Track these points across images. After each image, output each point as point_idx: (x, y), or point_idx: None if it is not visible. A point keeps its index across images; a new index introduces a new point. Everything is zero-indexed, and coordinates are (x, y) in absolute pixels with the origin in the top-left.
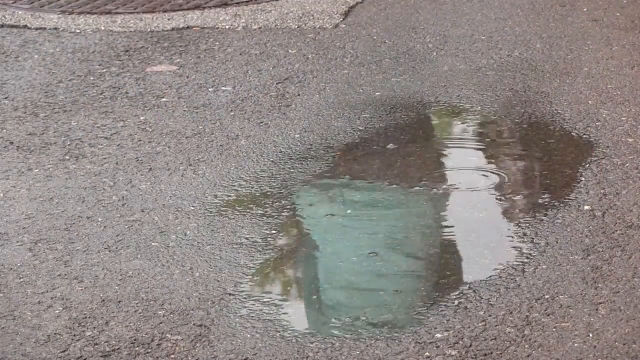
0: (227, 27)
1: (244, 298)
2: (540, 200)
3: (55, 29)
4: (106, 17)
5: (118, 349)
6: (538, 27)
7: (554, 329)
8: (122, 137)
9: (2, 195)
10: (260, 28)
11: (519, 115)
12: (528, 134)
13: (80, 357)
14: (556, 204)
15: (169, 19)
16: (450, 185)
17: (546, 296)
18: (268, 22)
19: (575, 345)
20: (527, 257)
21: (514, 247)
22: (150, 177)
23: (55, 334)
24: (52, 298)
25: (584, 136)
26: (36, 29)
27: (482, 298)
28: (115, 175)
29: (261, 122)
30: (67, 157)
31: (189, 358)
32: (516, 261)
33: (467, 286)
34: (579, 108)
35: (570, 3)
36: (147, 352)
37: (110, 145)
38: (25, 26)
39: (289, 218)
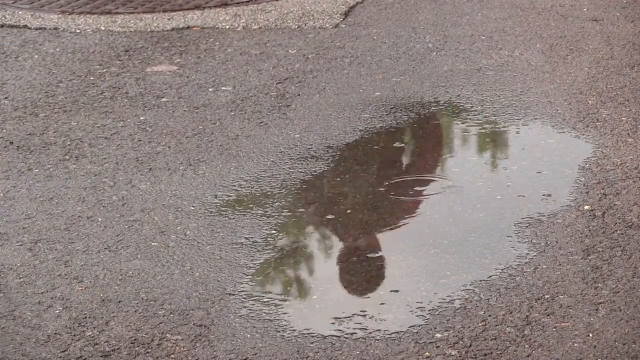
0: (227, 27)
1: (244, 298)
2: (540, 200)
3: (55, 29)
4: (106, 17)
5: (118, 349)
6: (538, 27)
7: (554, 329)
8: (122, 137)
9: (2, 195)
10: (260, 28)
11: (519, 115)
12: (528, 133)
13: (80, 357)
14: (556, 204)
15: (169, 19)
16: (450, 185)
17: (546, 296)
18: (268, 22)
19: (575, 345)
20: (527, 257)
21: (514, 247)
22: (150, 177)
23: (55, 334)
24: (52, 298)
25: (584, 136)
26: (36, 29)
27: (482, 298)
28: (115, 175)
29: (261, 122)
30: (67, 157)
31: (189, 358)
32: (516, 261)
33: (467, 286)
34: (579, 108)
35: (570, 3)
36: (147, 352)
37: (110, 145)
38: (25, 26)
39: (289, 218)
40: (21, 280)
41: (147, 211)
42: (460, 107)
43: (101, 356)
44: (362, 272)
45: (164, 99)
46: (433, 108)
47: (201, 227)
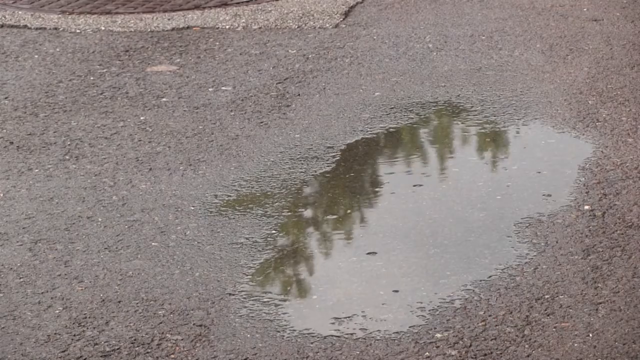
0: (227, 27)
1: (244, 298)
2: (540, 200)
3: (55, 29)
4: (106, 17)
5: (118, 349)
6: (538, 27)
7: (554, 329)
8: (122, 137)
9: (2, 195)
10: (260, 28)
11: (519, 115)
12: (528, 133)
13: (80, 357)
14: (556, 204)
15: (169, 19)
16: (450, 185)
17: (546, 296)
18: (268, 22)
19: (575, 345)
20: (527, 257)
21: (514, 247)
22: (150, 177)
23: (55, 334)
24: (52, 298)
25: (584, 136)
26: (36, 29)
27: (482, 298)
28: (115, 175)
29: (261, 122)
30: (67, 157)
31: (189, 358)
32: (516, 261)
33: (467, 286)
34: (579, 108)
35: (570, 3)
36: (147, 352)
37: (110, 145)
38: (25, 26)
39: (289, 218)
40: (21, 280)
41: (147, 211)
42: (460, 107)
43: (101, 356)
44: (363, 272)
45: (164, 99)
46: (433, 108)
47: (201, 227)
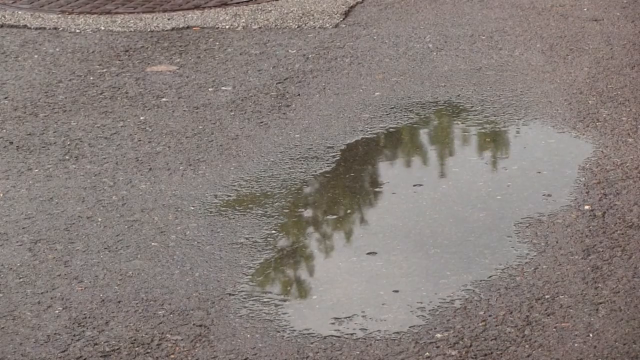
0: (227, 27)
1: (244, 298)
2: (540, 200)
3: (55, 29)
4: (106, 17)
5: (118, 349)
6: (538, 27)
7: (554, 329)
8: (122, 137)
9: (2, 195)
10: (260, 28)
11: (519, 115)
12: (528, 133)
13: (80, 357)
14: (556, 204)
15: (169, 19)
16: (450, 185)
17: (546, 296)
18: (268, 22)
19: (576, 345)
20: (527, 257)
21: (514, 247)
22: (150, 177)
23: (55, 334)
24: (52, 298)
25: (584, 136)
26: (36, 29)
27: (482, 298)
28: (115, 175)
29: (261, 122)
30: (67, 157)
31: (189, 358)
32: (516, 261)
33: (467, 286)
34: (579, 108)
35: (570, 3)
36: (147, 352)
37: (110, 145)
38: (25, 26)
39: (289, 218)
40: (21, 280)
41: (147, 211)
42: (460, 107)
43: (101, 356)
44: (363, 272)
45: (164, 99)
46: (433, 108)
47: (201, 227)
